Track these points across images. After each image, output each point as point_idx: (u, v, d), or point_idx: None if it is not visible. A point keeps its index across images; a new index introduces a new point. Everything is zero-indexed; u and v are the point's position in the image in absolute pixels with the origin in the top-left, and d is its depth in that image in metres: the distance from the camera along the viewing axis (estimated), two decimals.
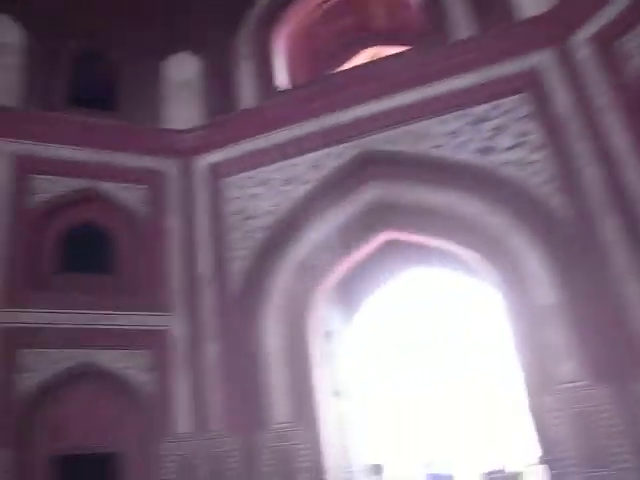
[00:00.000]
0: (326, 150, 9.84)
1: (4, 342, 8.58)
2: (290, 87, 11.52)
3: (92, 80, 11.35)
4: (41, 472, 8.53)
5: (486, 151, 8.98)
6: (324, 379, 9.66)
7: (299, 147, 9.97)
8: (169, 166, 10.53)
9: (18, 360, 8.61)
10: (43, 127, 9.96)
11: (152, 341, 9.39)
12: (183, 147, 10.56)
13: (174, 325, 9.57)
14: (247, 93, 11.21)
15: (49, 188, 9.76)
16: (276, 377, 9.10)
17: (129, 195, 10.15)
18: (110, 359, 9.12)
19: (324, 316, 10.14)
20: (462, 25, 9.98)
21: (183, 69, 11.57)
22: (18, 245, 9.22)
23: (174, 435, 8.95)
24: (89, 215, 10.01)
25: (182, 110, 11.07)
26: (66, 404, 8.89)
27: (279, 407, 8.95)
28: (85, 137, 10.12)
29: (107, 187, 10.05)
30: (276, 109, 10.48)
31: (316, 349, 9.55)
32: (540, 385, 7.79)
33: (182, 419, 9.08)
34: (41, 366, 8.74)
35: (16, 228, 9.31)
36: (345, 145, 9.79)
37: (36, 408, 8.65)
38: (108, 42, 11.76)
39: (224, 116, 10.73)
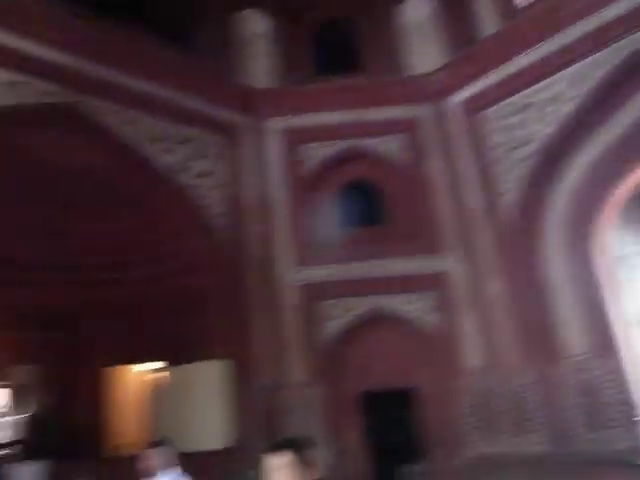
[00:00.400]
0: (589, 59, 8.81)
1: (307, 296, 9.69)
2: (531, 1, 10.61)
3: (334, 45, 11.92)
4: (350, 406, 9.54)
5: None
6: (622, 307, 8.98)
7: (556, 62, 9.11)
8: (423, 111, 10.57)
9: (321, 311, 9.64)
10: (303, 99, 10.73)
11: (433, 283, 9.71)
12: (433, 90, 10.49)
13: (453, 265, 9.73)
14: (486, 19, 10.61)
15: (317, 154, 10.53)
16: (564, 308, 8.78)
17: (389, 147, 10.46)
18: (397, 303, 9.69)
19: (613, 240, 9.35)
20: None
21: (416, 11, 11.40)
22: (301, 212, 10.21)
23: (466, 370, 9.23)
24: (356, 172, 10.57)
25: (424, 53, 10.97)
26: (364, 346, 9.72)
27: (573, 338, 8.64)
28: (340, 101, 10.63)
29: (368, 143, 10.48)
30: (521, 28, 9.71)
31: (606, 275, 8.91)
32: None
33: (472, 355, 9.30)
34: (339, 314, 9.67)
35: (296, 196, 10.30)
36: (610, 48, 8.63)
37: (340, 351, 9.64)
38: (340, 5, 12.19)
39: (469, 48, 10.33)
